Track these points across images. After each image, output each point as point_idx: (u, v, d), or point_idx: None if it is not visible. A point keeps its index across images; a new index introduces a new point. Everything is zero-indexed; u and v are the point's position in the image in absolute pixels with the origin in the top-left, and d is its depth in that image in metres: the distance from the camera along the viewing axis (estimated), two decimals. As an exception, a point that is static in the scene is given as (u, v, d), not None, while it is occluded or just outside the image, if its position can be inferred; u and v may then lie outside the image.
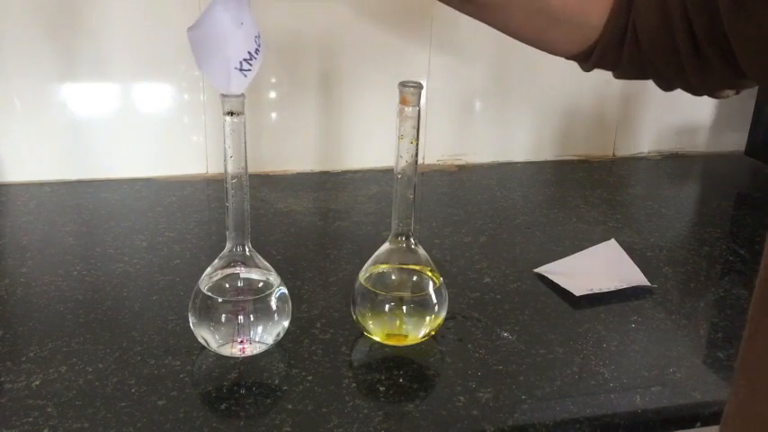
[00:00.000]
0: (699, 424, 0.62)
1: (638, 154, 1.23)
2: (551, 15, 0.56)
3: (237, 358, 0.64)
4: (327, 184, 1.07)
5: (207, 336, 0.63)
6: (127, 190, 1.01)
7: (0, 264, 0.81)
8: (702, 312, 0.76)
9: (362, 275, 0.67)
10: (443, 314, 0.67)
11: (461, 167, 1.15)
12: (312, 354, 0.65)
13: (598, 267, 0.83)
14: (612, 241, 0.86)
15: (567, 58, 0.60)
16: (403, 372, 0.64)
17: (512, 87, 1.13)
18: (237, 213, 0.63)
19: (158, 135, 1.03)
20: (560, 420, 0.59)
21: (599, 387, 0.63)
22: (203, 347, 0.65)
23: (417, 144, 0.63)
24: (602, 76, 1.18)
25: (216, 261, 0.65)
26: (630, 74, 0.60)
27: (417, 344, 0.67)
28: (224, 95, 0.59)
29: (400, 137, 0.63)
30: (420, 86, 0.61)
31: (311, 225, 0.93)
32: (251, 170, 0.64)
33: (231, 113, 0.59)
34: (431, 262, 0.68)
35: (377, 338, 0.67)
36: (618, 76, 0.61)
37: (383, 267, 0.68)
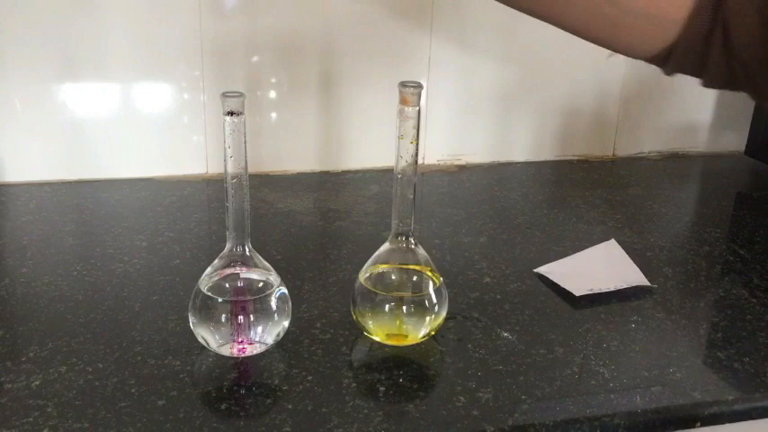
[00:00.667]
0: (699, 424, 0.62)
1: (638, 154, 1.23)
2: (623, 6, 0.49)
3: (237, 358, 0.64)
4: (327, 184, 1.07)
5: (207, 336, 0.63)
6: (127, 190, 1.01)
7: (0, 264, 0.81)
8: (702, 312, 0.76)
9: (362, 275, 0.67)
10: (443, 314, 0.67)
11: (461, 167, 1.15)
12: (312, 354, 0.65)
13: (598, 267, 0.83)
14: (612, 241, 0.86)
15: (646, 59, 0.52)
16: (403, 372, 0.64)
17: (512, 87, 1.13)
18: (237, 213, 0.63)
19: (158, 135, 1.03)
20: (560, 420, 0.59)
21: (599, 387, 0.63)
22: (203, 347, 0.65)
23: (417, 144, 0.63)
24: (601, 76, 1.19)
25: (216, 261, 0.65)
26: (719, 81, 0.52)
27: (417, 344, 0.67)
28: (224, 95, 0.59)
29: (400, 137, 0.63)
30: (420, 86, 0.61)
31: (311, 225, 0.93)
32: (251, 170, 0.64)
33: (231, 113, 0.59)
34: (431, 262, 0.68)
35: (377, 338, 0.67)
36: (706, 84, 0.53)
37: (383, 267, 0.68)
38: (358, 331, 0.68)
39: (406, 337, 0.66)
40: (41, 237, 0.87)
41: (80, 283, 0.76)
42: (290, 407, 0.59)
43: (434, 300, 0.66)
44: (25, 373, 0.62)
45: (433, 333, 0.67)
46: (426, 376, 0.64)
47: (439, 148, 1.14)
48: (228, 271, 0.65)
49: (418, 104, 0.61)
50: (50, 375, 0.61)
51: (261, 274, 0.66)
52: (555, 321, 0.73)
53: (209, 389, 0.61)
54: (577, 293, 0.76)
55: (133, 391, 0.60)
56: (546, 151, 1.19)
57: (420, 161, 1.13)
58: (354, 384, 0.62)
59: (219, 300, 0.63)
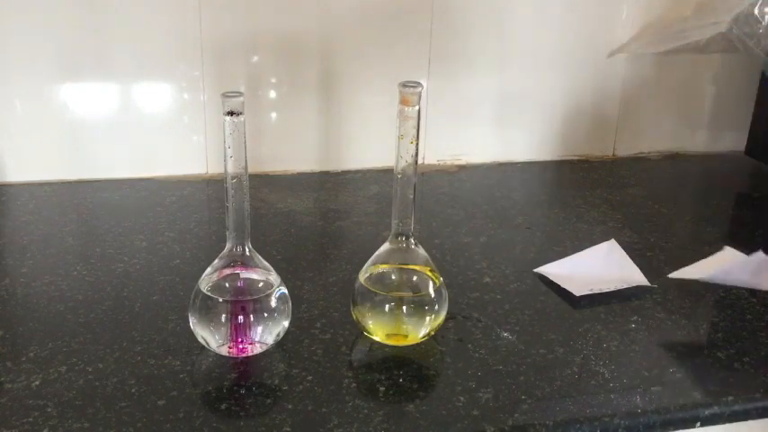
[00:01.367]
0: (699, 424, 0.62)
1: (639, 154, 1.23)
2: None
3: (237, 358, 0.64)
4: (327, 184, 1.07)
5: (207, 336, 0.63)
6: (127, 190, 1.01)
7: (0, 264, 0.81)
8: (702, 312, 0.75)
9: (362, 275, 0.67)
10: (443, 314, 0.67)
11: (461, 167, 1.15)
12: (312, 354, 0.65)
13: (598, 267, 0.83)
14: (612, 241, 0.86)
15: None
16: (403, 372, 0.64)
17: (512, 87, 1.13)
18: (237, 213, 0.63)
19: (158, 135, 1.03)
20: (560, 420, 0.59)
21: (599, 387, 0.63)
22: (203, 347, 0.65)
23: (417, 144, 0.63)
24: (601, 76, 1.18)
25: (216, 261, 0.65)
26: None
27: (417, 344, 0.67)
28: (224, 95, 0.59)
29: (400, 137, 0.63)
30: (420, 86, 0.61)
31: (311, 225, 0.93)
32: (251, 170, 0.64)
33: (231, 113, 0.59)
34: (431, 262, 0.68)
35: (377, 338, 0.67)
36: None
37: (383, 267, 0.68)
38: (358, 331, 0.68)
39: (406, 337, 0.66)
40: (41, 237, 0.87)
41: (80, 283, 0.76)
42: (290, 407, 0.59)
43: (434, 300, 0.66)
44: (25, 373, 0.62)
45: (432, 333, 0.67)
46: (426, 376, 0.64)
47: (439, 148, 1.14)
48: (228, 271, 0.65)
49: (418, 104, 0.61)
50: (50, 375, 0.61)
51: (261, 274, 0.66)
52: (555, 321, 0.73)
53: (209, 389, 0.61)
54: (577, 293, 0.76)
55: (133, 391, 0.60)
56: (546, 151, 1.19)
57: (420, 161, 1.13)
58: (354, 384, 0.62)
59: (219, 300, 0.63)
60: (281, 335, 0.65)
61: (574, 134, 1.19)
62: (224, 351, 0.64)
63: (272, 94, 1.05)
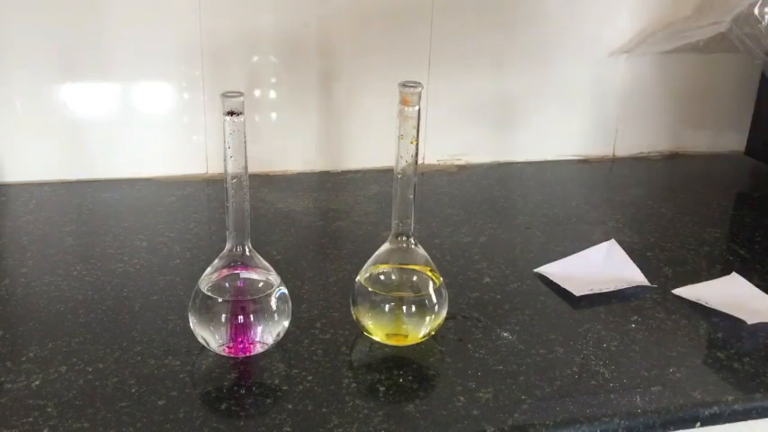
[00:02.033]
0: (699, 424, 0.62)
1: (638, 154, 1.23)
2: None
3: (237, 358, 0.64)
4: (327, 184, 1.07)
5: (207, 336, 0.63)
6: (127, 190, 1.01)
7: (0, 264, 0.81)
8: (702, 312, 0.75)
9: (362, 275, 0.67)
10: (443, 314, 0.67)
11: (461, 167, 1.15)
12: (312, 354, 0.65)
13: (598, 267, 0.83)
14: (612, 241, 0.86)
15: None
16: (403, 372, 0.64)
17: (512, 87, 1.13)
18: (237, 213, 0.63)
19: (158, 135, 1.03)
20: (560, 420, 0.59)
21: (599, 387, 0.63)
22: (203, 347, 0.65)
23: (417, 144, 0.63)
24: (601, 76, 1.18)
25: (216, 261, 0.65)
26: None
27: (417, 344, 0.67)
28: (224, 95, 0.59)
29: (400, 137, 0.63)
30: (420, 86, 0.61)
31: (311, 225, 0.93)
32: (251, 170, 0.64)
33: (231, 113, 0.59)
34: (431, 262, 0.68)
35: (377, 338, 0.67)
36: None
37: (383, 267, 0.68)
38: (358, 331, 0.68)
39: (406, 337, 0.66)
40: (41, 237, 0.87)
41: (80, 283, 0.76)
42: (290, 407, 0.59)
43: (434, 300, 0.66)
44: (25, 373, 0.62)
45: (433, 333, 0.67)
46: (426, 376, 0.64)
47: (439, 148, 1.14)
48: (228, 271, 0.65)
49: (418, 104, 0.61)
50: (50, 375, 0.61)
51: (261, 274, 0.66)
52: (555, 321, 0.73)
53: (209, 389, 0.61)
54: (577, 293, 0.76)
55: (133, 391, 0.60)
56: (546, 151, 1.19)
57: (420, 161, 1.13)
58: (354, 384, 0.62)
59: (219, 300, 0.63)
60: (281, 335, 0.65)
61: (574, 134, 1.19)
62: (224, 351, 0.64)
63: (272, 94, 1.05)
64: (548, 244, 0.89)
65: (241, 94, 0.59)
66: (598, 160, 1.21)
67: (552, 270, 0.82)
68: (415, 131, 0.62)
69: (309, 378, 0.62)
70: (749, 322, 0.72)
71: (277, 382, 0.62)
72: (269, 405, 0.59)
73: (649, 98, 1.20)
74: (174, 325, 0.69)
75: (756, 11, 1.02)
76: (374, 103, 1.08)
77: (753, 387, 0.64)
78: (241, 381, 0.62)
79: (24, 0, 0.93)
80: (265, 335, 0.64)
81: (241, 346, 0.63)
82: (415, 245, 0.67)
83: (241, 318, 0.63)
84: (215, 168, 1.06)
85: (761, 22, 1.02)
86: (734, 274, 0.81)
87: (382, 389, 0.61)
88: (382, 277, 0.67)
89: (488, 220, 0.96)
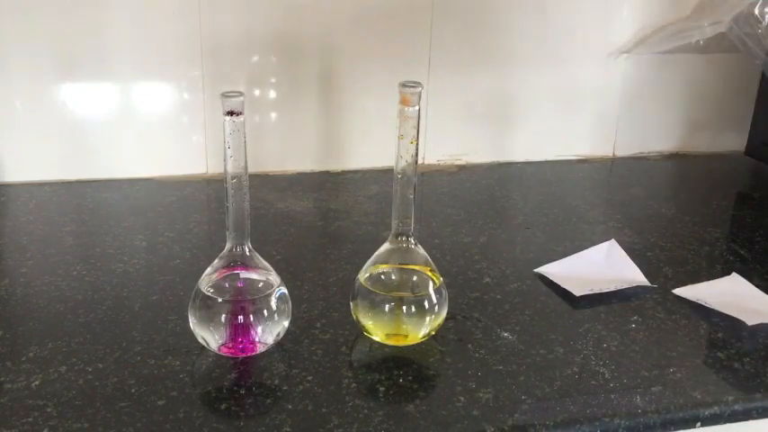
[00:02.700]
0: (699, 424, 0.62)
1: (639, 154, 1.23)
2: None
3: (237, 358, 0.64)
4: (327, 184, 1.07)
5: (207, 336, 0.63)
6: (127, 190, 1.01)
7: (0, 264, 0.81)
8: (702, 312, 0.75)
9: (362, 275, 0.67)
10: (443, 314, 0.67)
11: (461, 167, 1.15)
12: (312, 354, 0.65)
13: (598, 267, 0.83)
14: (612, 241, 0.86)
15: None
16: (403, 372, 0.64)
17: (512, 87, 1.13)
18: (237, 213, 0.63)
19: (158, 135, 1.03)
20: (560, 420, 0.59)
21: (599, 387, 0.63)
22: (203, 347, 0.65)
23: (417, 144, 0.63)
24: (601, 76, 1.18)
25: (216, 261, 0.65)
26: None
27: (417, 344, 0.67)
28: (224, 95, 0.59)
29: (400, 137, 0.63)
30: (420, 86, 0.61)
31: (311, 225, 0.93)
32: (251, 170, 0.64)
33: (231, 113, 0.59)
34: (431, 262, 0.68)
35: (377, 338, 0.67)
36: None
37: (383, 267, 0.68)
38: (358, 331, 0.68)
39: (406, 337, 0.66)
40: (41, 237, 0.87)
41: (80, 283, 0.76)
42: (290, 407, 0.59)
43: (434, 300, 0.66)
44: (25, 373, 0.62)
45: (433, 333, 0.67)
46: (426, 376, 0.64)
47: (439, 148, 1.14)
48: (228, 271, 0.65)
49: (418, 104, 0.61)
50: (50, 375, 0.61)
51: (261, 274, 0.66)
52: (555, 321, 0.73)
53: (209, 389, 0.61)
54: (577, 293, 0.76)
55: (133, 391, 0.60)
56: (546, 151, 1.19)
57: (420, 161, 1.13)
58: (354, 384, 0.62)
59: (219, 300, 0.63)
60: (281, 335, 0.65)
61: (574, 134, 1.19)
62: (224, 351, 0.64)
63: (272, 94, 1.05)
64: (548, 244, 0.89)
65: (241, 94, 0.59)
66: (598, 160, 1.21)
67: (552, 270, 0.82)
68: (415, 131, 0.62)
69: (309, 378, 0.62)
70: (749, 323, 0.72)
71: (277, 382, 0.62)
72: (269, 405, 0.59)
73: (649, 98, 1.20)
74: (174, 325, 0.69)
75: (756, 11, 1.02)
76: (374, 103, 1.08)
77: (753, 387, 0.64)
78: (241, 381, 0.62)
79: (24, 0, 0.93)
80: (265, 335, 0.64)
81: (241, 346, 0.63)
82: (415, 245, 0.67)
83: (241, 318, 0.63)
84: (215, 168, 1.06)
85: (761, 22, 1.02)
86: (734, 275, 0.81)
87: (382, 389, 0.61)
88: (382, 277, 0.67)
89: (488, 220, 0.96)
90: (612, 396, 0.62)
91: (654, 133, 1.23)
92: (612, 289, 0.78)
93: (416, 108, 0.61)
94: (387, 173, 1.09)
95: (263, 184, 1.04)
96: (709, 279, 0.81)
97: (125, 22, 0.97)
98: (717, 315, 0.75)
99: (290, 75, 1.04)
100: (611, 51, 1.14)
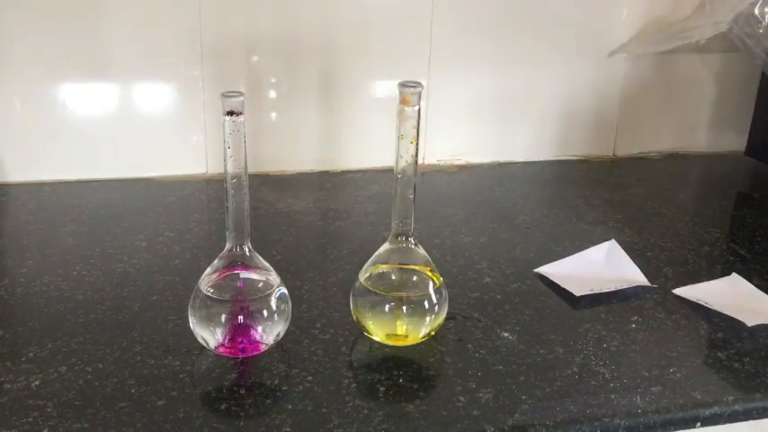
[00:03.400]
0: (699, 424, 0.62)
1: (638, 154, 1.23)
2: None
3: (237, 358, 0.64)
4: (327, 184, 1.07)
5: (207, 336, 0.63)
6: (127, 190, 1.01)
7: (0, 264, 0.81)
8: (702, 312, 0.75)
9: (362, 275, 0.67)
10: (443, 314, 0.67)
11: (461, 167, 1.15)
12: (312, 354, 0.65)
13: (598, 267, 0.83)
14: (612, 241, 0.86)
15: None
16: (403, 372, 0.64)
17: (512, 87, 1.13)
18: (237, 213, 0.63)
19: (158, 135, 1.03)
20: (560, 420, 0.59)
21: (599, 387, 0.63)
22: (203, 347, 0.65)
23: (417, 144, 0.63)
24: (601, 76, 1.18)
25: (216, 261, 0.65)
26: None
27: (417, 344, 0.67)
28: (224, 95, 0.59)
29: (400, 137, 0.63)
30: (420, 86, 0.61)
31: (311, 225, 0.93)
32: (251, 170, 0.64)
33: (231, 113, 0.59)
34: (431, 262, 0.68)
35: (377, 338, 0.67)
36: None
37: (383, 267, 0.68)
38: (358, 331, 0.68)
39: (406, 337, 0.66)
40: (41, 237, 0.87)
41: (80, 283, 0.76)
42: (289, 407, 0.59)
43: (434, 300, 0.66)
44: (25, 373, 0.62)
45: (433, 333, 0.67)
46: (426, 376, 0.64)
47: (439, 148, 1.14)
48: (228, 271, 0.65)
49: (418, 104, 0.61)
50: (50, 375, 0.61)
51: (261, 274, 0.66)
52: (555, 321, 0.73)
53: (209, 389, 0.61)
54: (577, 293, 0.76)
55: (133, 391, 0.60)
56: (546, 151, 1.19)
57: (420, 161, 1.13)
58: (354, 384, 0.62)
59: (219, 300, 0.63)
60: (281, 335, 0.65)
61: (574, 134, 1.19)
62: (224, 351, 0.64)
63: (272, 94, 1.05)
64: (548, 244, 0.89)
65: (241, 94, 0.59)
66: (598, 160, 1.21)
67: (552, 270, 0.82)
68: (415, 131, 0.62)
69: (309, 378, 0.62)
70: (749, 324, 0.72)
71: (277, 382, 0.62)
72: (269, 405, 0.59)
73: (649, 98, 1.20)
74: (174, 325, 0.69)
75: (756, 11, 1.02)
76: (374, 103, 1.08)
77: (753, 387, 0.64)
78: (241, 381, 0.62)
79: (25, 0, 0.93)
80: (265, 335, 0.64)
81: (241, 346, 0.63)
82: (415, 245, 0.67)
83: (241, 318, 0.63)
84: (215, 168, 1.06)
85: (761, 22, 1.02)
86: (734, 275, 0.81)
87: (382, 389, 0.61)
88: (382, 277, 0.67)
89: (488, 220, 0.96)
90: (612, 396, 0.62)
91: (654, 133, 1.23)
92: (612, 289, 0.78)
93: (416, 108, 0.61)
94: (387, 173, 1.09)
95: (262, 184, 1.04)
96: (709, 279, 0.81)
97: (125, 22, 0.97)
98: (717, 315, 0.75)
99: (290, 75, 1.04)
100: (611, 51, 1.14)
